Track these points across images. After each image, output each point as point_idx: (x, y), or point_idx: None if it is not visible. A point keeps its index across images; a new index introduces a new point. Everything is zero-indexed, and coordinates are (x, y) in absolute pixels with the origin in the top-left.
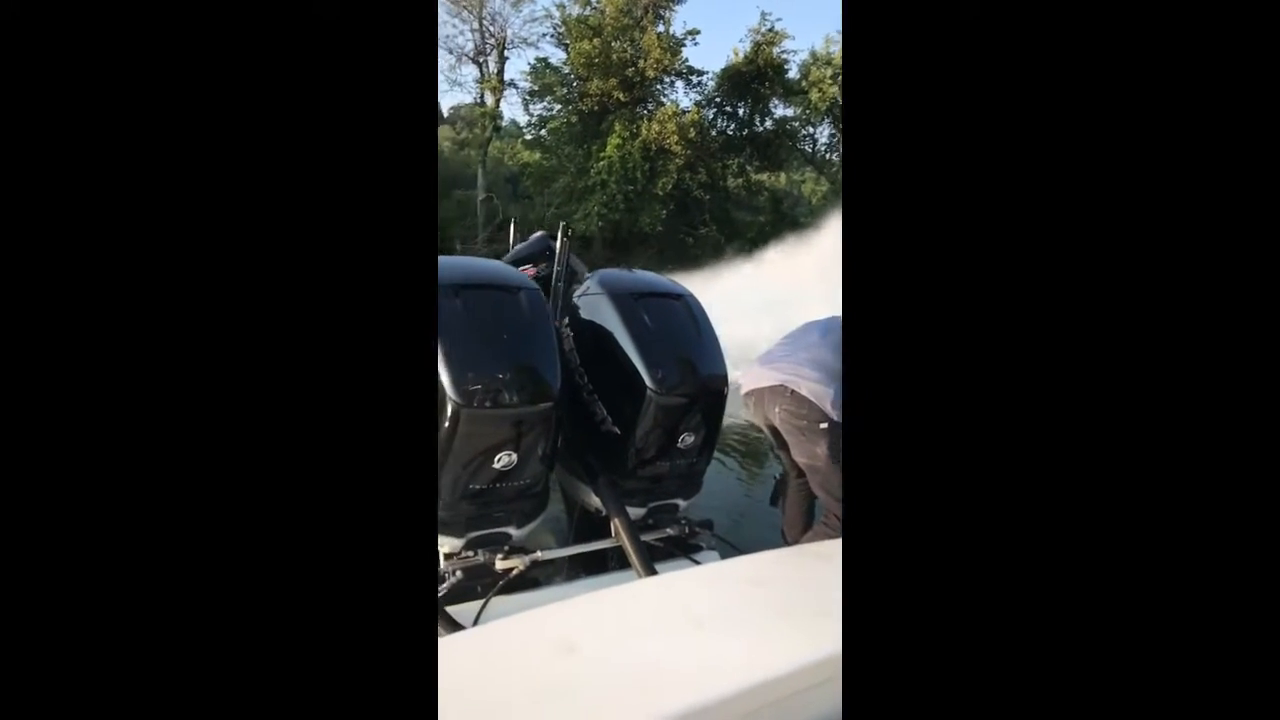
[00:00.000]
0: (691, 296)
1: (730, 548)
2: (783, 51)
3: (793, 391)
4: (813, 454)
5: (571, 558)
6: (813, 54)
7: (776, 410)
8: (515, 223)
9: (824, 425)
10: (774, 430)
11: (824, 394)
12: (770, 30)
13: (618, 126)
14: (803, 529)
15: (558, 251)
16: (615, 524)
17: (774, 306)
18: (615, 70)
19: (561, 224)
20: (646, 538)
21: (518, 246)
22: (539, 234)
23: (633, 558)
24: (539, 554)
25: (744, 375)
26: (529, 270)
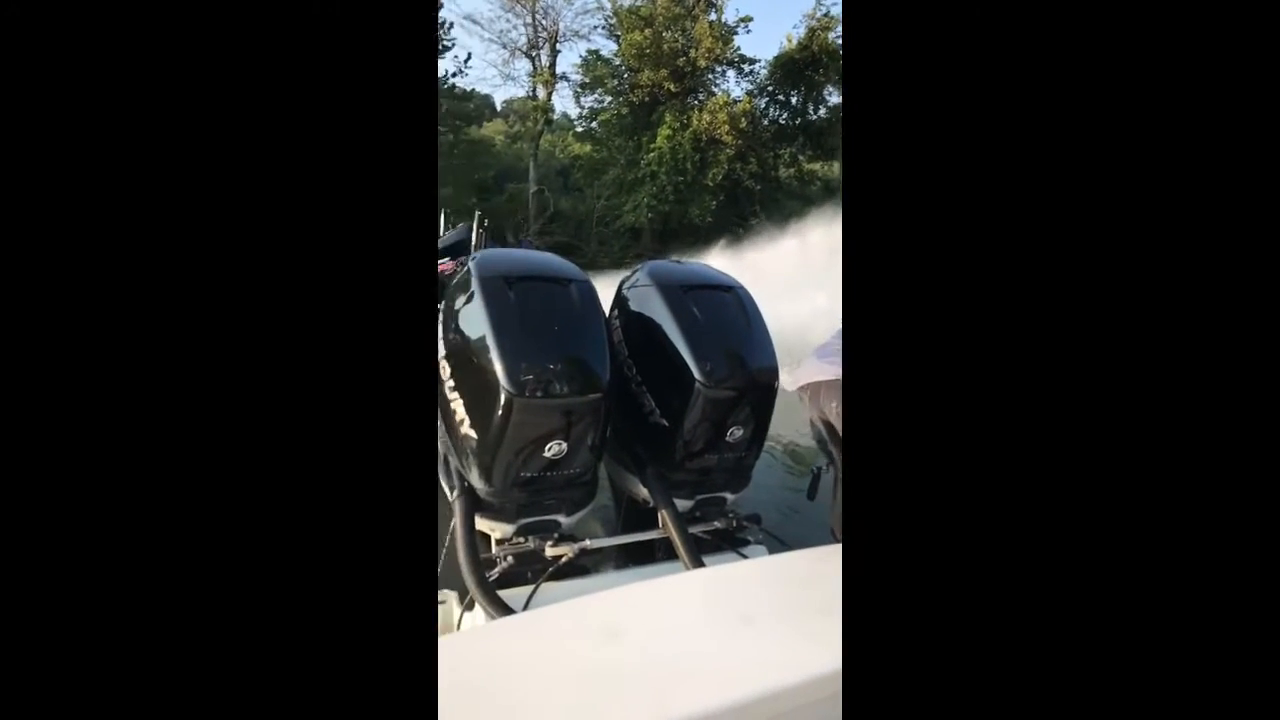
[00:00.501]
0: (742, 289)
1: (778, 543)
2: (838, 36)
3: None
4: None
5: (619, 547)
6: None
7: (834, 405)
8: (446, 214)
9: None
10: (828, 425)
11: None
12: (825, 15)
13: (668, 117)
14: None
15: (472, 242)
16: (663, 515)
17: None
18: (666, 61)
19: (477, 214)
20: (694, 530)
21: (445, 235)
22: (462, 225)
23: (680, 549)
24: (588, 542)
25: (799, 369)
26: (445, 266)
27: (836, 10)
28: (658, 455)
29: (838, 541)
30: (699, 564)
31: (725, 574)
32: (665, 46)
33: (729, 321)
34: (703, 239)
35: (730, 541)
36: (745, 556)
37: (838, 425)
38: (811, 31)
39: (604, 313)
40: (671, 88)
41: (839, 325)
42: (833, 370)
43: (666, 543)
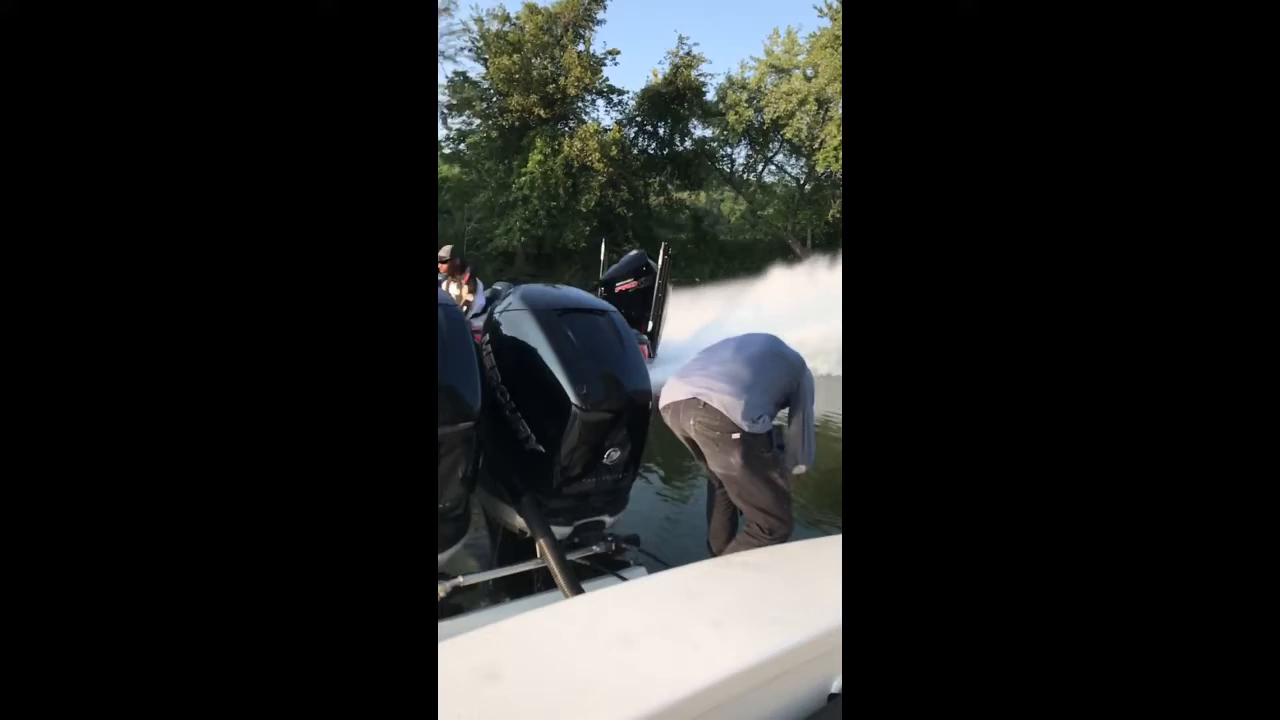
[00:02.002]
0: (615, 312)
1: (657, 562)
2: (700, 74)
3: (705, 404)
4: (727, 464)
5: (495, 581)
6: (729, 78)
7: (691, 422)
8: (605, 242)
9: (735, 435)
10: (691, 442)
11: (734, 405)
12: (688, 54)
13: (539, 142)
14: (726, 539)
15: (659, 267)
16: (540, 544)
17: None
18: (536, 87)
19: (664, 244)
20: (572, 556)
21: (615, 265)
22: (636, 252)
23: (558, 578)
24: (461, 579)
25: (662, 390)
26: (629, 284)
27: (698, 49)
28: (534, 483)
29: (714, 555)
30: (578, 591)
31: (605, 598)
32: (534, 73)
33: (603, 344)
34: (579, 264)
35: (610, 565)
36: (625, 579)
37: (696, 440)
38: (675, 68)
39: (474, 338)
40: (542, 113)
41: (698, 350)
42: (689, 390)
43: (545, 573)
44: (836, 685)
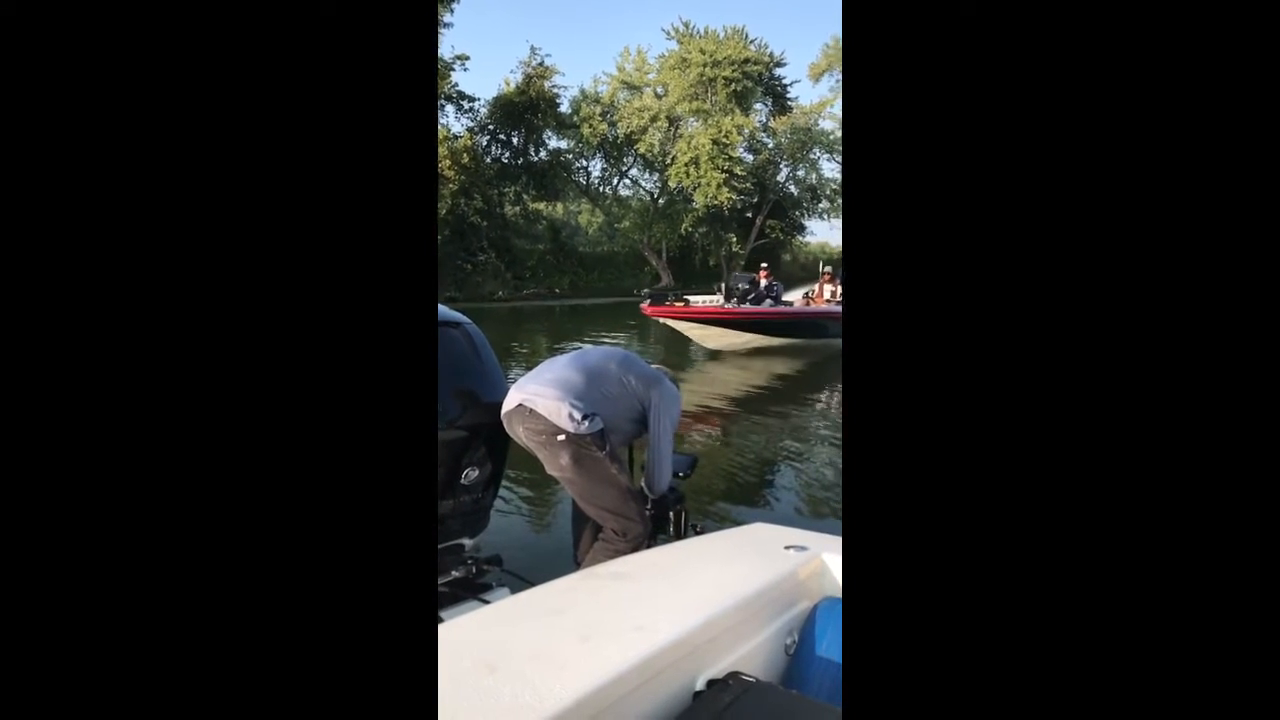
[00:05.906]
0: (470, 324)
1: (522, 582)
2: (554, 86)
3: (531, 410)
4: (559, 465)
5: None
6: (582, 91)
7: (520, 429)
8: (836, 265)
9: (561, 437)
10: (531, 449)
11: (558, 409)
12: (540, 64)
13: None
14: (587, 549)
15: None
16: None
17: None
18: None
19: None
20: None
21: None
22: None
23: None
24: None
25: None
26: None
27: (551, 61)
28: None
29: (578, 567)
30: (437, 620)
31: (466, 625)
32: None
33: (458, 358)
34: None
35: (471, 589)
36: (488, 602)
37: (530, 446)
38: (528, 78)
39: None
40: None
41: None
42: (519, 397)
43: None
44: (701, 683)
